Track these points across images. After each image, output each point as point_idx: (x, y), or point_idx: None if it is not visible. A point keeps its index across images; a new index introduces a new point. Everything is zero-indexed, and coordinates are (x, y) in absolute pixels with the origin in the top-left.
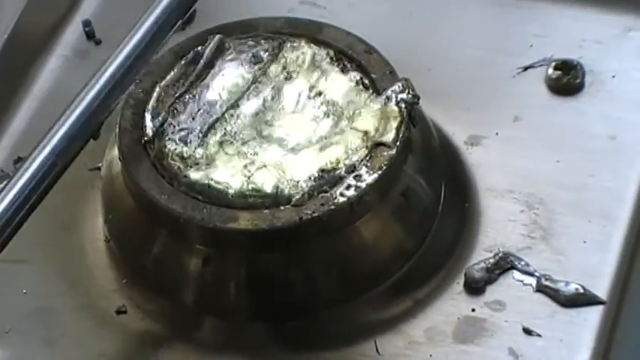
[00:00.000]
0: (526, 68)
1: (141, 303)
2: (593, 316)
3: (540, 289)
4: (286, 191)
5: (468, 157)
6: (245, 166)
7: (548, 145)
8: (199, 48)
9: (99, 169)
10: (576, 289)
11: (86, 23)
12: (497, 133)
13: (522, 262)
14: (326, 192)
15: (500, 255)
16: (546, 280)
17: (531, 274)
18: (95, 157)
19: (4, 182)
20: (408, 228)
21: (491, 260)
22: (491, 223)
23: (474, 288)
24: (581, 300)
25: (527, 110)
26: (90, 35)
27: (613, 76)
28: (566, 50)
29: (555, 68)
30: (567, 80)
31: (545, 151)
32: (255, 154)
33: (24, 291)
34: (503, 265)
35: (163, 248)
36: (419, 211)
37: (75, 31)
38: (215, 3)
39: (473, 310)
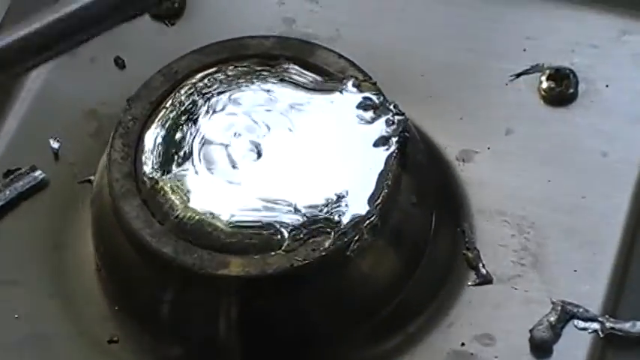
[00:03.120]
0: (519, 75)
1: (132, 334)
2: (581, 353)
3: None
4: (278, 232)
5: (459, 175)
6: (238, 203)
7: (540, 161)
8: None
9: (89, 181)
10: None
11: None
12: (489, 148)
13: (581, 309)
14: (317, 236)
15: (559, 308)
16: (611, 322)
17: (595, 320)
18: (84, 168)
19: None
20: (399, 263)
21: (553, 316)
22: (481, 249)
23: (538, 347)
24: None
25: (520, 122)
26: None
27: (607, 86)
28: (559, 55)
29: (548, 78)
30: (560, 91)
31: (537, 169)
32: (250, 189)
33: (16, 316)
34: (563, 317)
35: (154, 287)
36: (410, 244)
37: None
38: None
39: (462, 344)
